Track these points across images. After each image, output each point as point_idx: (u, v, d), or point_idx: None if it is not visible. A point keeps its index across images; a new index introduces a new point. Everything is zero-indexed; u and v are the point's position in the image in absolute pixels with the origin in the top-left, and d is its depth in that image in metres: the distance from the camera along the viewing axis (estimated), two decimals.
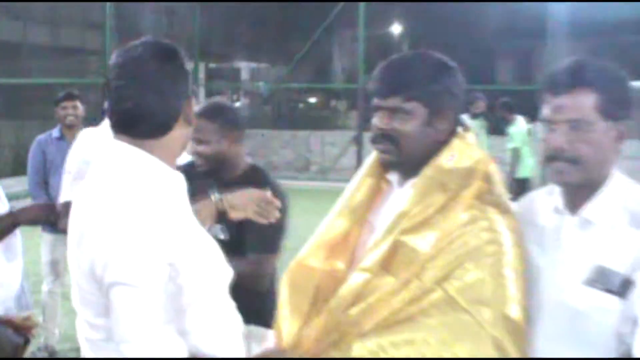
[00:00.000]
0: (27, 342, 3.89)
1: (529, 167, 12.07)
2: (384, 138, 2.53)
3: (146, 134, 2.31)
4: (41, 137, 7.27)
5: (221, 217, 3.13)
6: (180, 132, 2.37)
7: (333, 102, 26.78)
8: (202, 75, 22.90)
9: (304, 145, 20.49)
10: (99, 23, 17.89)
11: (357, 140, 18.62)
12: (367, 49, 19.74)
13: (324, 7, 19.92)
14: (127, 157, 2.30)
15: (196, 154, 3.70)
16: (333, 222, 2.65)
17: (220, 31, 22.88)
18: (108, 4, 17.33)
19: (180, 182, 2.39)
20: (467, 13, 19.16)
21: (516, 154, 12.04)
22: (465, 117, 13.01)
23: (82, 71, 18.66)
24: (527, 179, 11.93)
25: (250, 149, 20.28)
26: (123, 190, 2.24)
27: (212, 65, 24.79)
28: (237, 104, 26.17)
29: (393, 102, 2.49)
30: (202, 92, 21.85)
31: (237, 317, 2.49)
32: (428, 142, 2.50)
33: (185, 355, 2.21)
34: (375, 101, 2.55)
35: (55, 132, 7.22)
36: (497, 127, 13.68)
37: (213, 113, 3.69)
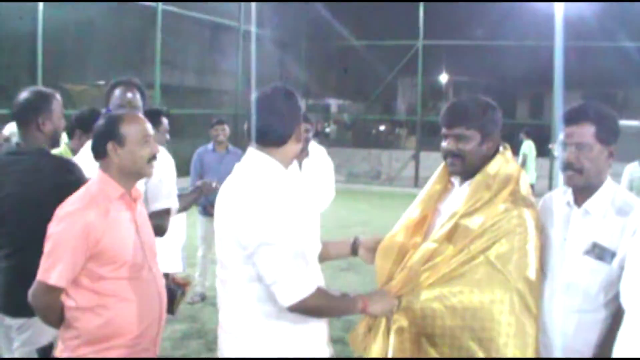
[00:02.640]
0: (183, 293, 4.17)
1: (532, 176, 13.13)
2: (452, 155, 2.68)
3: (270, 144, 2.53)
4: (200, 149, 7.50)
5: None
6: (291, 146, 2.58)
7: (397, 129, 26.67)
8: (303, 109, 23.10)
9: (376, 160, 20.46)
10: (232, 72, 18.38)
11: (415, 158, 18.70)
12: (423, 91, 19.79)
13: (392, 61, 19.97)
14: (259, 161, 2.53)
15: None
16: (413, 210, 2.80)
17: (316, 78, 23.11)
18: (239, 57, 17.85)
19: (290, 178, 2.59)
20: (494, 66, 19.01)
21: (524, 159, 13.07)
22: None
23: (219, 105, 18.98)
24: (532, 185, 12.34)
25: (338, 162, 20.43)
26: (257, 184, 2.46)
27: (310, 102, 25.06)
28: (327, 130, 26.42)
29: (458, 130, 2.65)
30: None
31: (319, 274, 2.65)
32: (481, 157, 2.66)
33: (318, 284, 2.43)
34: (444, 130, 2.70)
35: (209, 146, 7.43)
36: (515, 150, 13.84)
37: None
